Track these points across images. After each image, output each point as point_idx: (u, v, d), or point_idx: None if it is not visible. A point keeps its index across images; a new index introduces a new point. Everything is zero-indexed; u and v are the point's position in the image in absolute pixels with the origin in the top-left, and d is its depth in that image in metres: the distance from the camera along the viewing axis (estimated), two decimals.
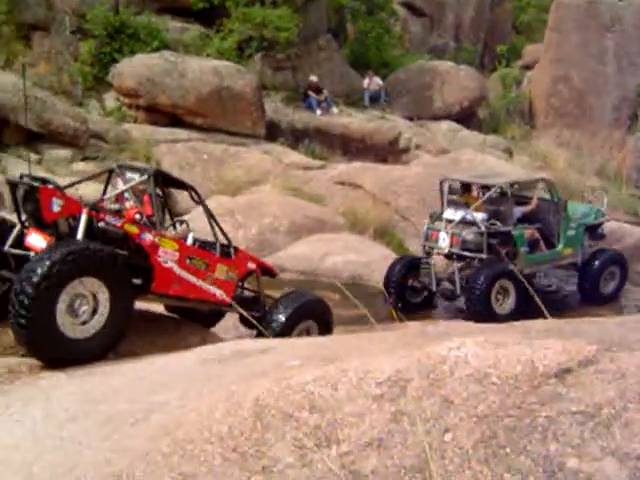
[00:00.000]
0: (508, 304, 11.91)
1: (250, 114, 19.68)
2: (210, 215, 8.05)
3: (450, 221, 12.50)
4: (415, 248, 16.27)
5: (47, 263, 5.86)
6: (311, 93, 21.80)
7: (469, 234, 12.22)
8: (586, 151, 23.91)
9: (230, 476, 3.08)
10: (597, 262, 13.65)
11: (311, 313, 8.26)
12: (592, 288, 13.68)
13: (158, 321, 8.11)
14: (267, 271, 8.67)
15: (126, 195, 7.70)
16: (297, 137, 21.15)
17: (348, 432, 3.07)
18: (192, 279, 7.39)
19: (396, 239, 16.39)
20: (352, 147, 21.37)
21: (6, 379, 5.47)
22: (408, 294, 12.94)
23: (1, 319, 6.79)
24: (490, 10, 33.12)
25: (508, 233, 12.46)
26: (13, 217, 7.41)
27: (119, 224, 6.90)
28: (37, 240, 6.67)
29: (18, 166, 15.46)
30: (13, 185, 6.89)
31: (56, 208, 6.50)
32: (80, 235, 6.46)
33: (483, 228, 12.24)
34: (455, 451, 2.90)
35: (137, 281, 6.93)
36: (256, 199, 16.23)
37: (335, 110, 22.05)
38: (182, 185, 8.18)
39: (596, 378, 3.13)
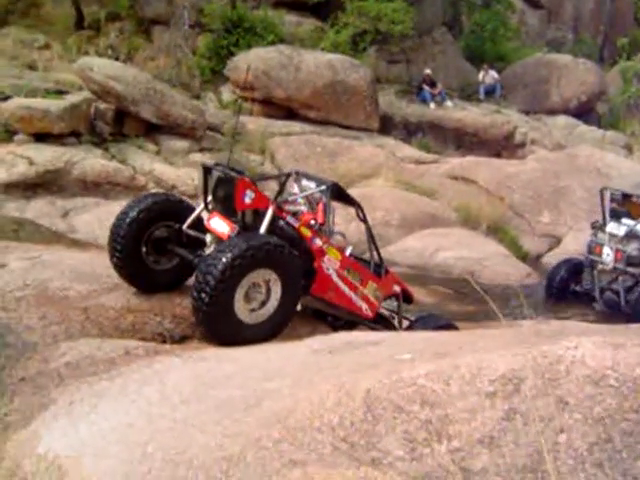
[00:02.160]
0: None
1: (364, 107, 19.71)
2: (370, 234, 8.30)
3: (613, 235, 12.46)
4: (528, 246, 16.02)
5: (235, 251, 6.26)
6: (425, 86, 21.66)
7: (634, 250, 12.18)
8: None
9: (339, 465, 3.09)
10: None
11: None
12: None
13: None
14: (406, 295, 8.80)
15: (300, 200, 7.94)
16: (410, 131, 21.07)
17: (459, 428, 3.05)
18: (346, 290, 7.73)
19: (509, 236, 16.15)
20: (466, 141, 21.14)
21: (123, 361, 5.63)
22: (569, 297, 13.18)
23: (164, 289, 7.48)
24: (611, 2, 32.13)
25: None
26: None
27: (296, 225, 7.35)
28: (221, 225, 7.08)
29: (138, 156, 15.98)
30: (207, 170, 7.40)
31: (248, 200, 6.98)
32: (263, 229, 6.87)
33: None
34: (569, 453, 2.85)
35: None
36: (368, 192, 16.23)
37: (449, 104, 21.84)
38: (351, 201, 8.34)
39: None
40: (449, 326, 8.35)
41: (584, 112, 24.53)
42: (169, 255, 7.56)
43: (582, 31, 31.08)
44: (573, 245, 15.52)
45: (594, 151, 19.75)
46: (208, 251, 7.06)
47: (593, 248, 12.72)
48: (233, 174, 7.15)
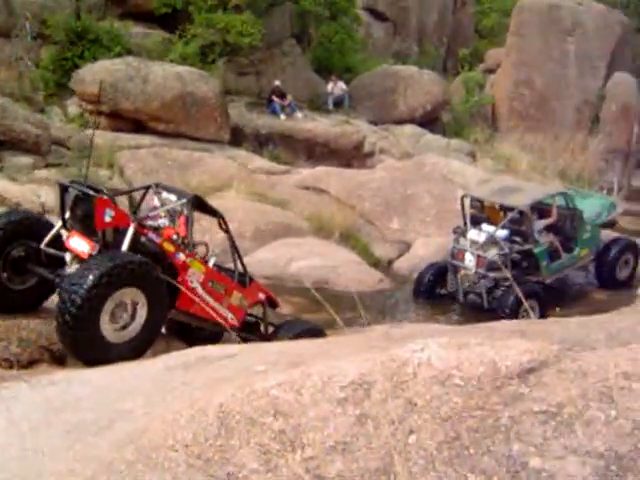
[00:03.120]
0: None
1: (214, 119, 19.60)
2: (233, 244, 8.51)
3: (474, 242, 13.03)
4: (379, 252, 16.35)
5: (103, 269, 6.30)
6: (275, 98, 21.78)
7: (494, 256, 12.72)
8: (549, 154, 24.14)
9: None
10: (613, 251, 14.48)
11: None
12: (609, 275, 14.52)
13: None
14: (271, 302, 9.09)
15: (160, 213, 8.03)
16: (261, 142, 21.09)
17: (313, 436, 3.06)
18: (211, 301, 7.91)
19: (361, 243, 16.43)
20: (316, 152, 21.36)
21: None
22: (436, 299, 13.77)
23: (21, 310, 7.44)
24: (453, 15, 33.39)
25: (530, 250, 13.07)
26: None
27: (159, 241, 7.46)
28: (80, 244, 7.09)
29: None
30: (64, 188, 7.37)
31: (108, 219, 6.99)
32: (125, 247, 6.90)
33: (507, 249, 12.80)
34: (419, 453, 2.90)
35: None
36: (221, 204, 15.94)
37: (299, 115, 22.05)
38: (213, 212, 8.53)
39: (558, 378, 3.14)
40: (315, 329, 8.66)
41: (430, 121, 25.27)
42: (27, 275, 7.47)
43: (426, 43, 32.06)
44: (422, 250, 15.98)
45: (440, 159, 20.38)
46: (68, 270, 7.05)
47: (456, 254, 13.28)
48: (91, 193, 7.09)
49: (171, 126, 19.16)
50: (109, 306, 6.43)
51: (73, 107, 19.30)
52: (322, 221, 16.51)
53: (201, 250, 8.28)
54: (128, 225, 7.10)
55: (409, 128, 24.10)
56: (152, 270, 6.80)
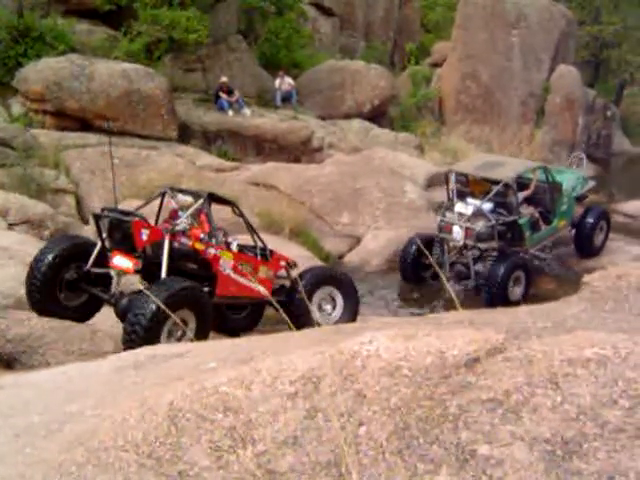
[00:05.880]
0: (518, 290, 13.16)
1: (161, 117, 19.43)
2: (250, 226, 9.67)
3: (462, 214, 13.49)
4: (330, 247, 16.39)
5: (164, 295, 7.38)
6: (222, 94, 21.66)
7: (482, 227, 13.23)
8: (495, 146, 24.43)
9: None
10: (590, 219, 15.25)
11: (324, 281, 9.98)
12: (588, 243, 15.35)
13: (70, 329, 8.02)
14: (292, 264, 10.26)
15: (181, 214, 9.02)
16: (209, 139, 20.98)
17: (263, 431, 3.06)
18: (244, 281, 9.03)
19: (311, 238, 16.42)
20: (265, 148, 21.33)
21: None
22: (420, 270, 14.29)
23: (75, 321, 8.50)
24: (399, 9, 33.55)
25: (515, 222, 13.55)
26: None
27: (190, 244, 8.56)
28: (123, 262, 8.22)
29: None
30: (97, 216, 8.56)
31: (144, 237, 8.10)
32: (164, 259, 8.02)
33: (493, 221, 13.27)
34: (369, 444, 2.92)
35: (205, 288, 8.55)
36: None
37: (247, 111, 21.96)
38: (226, 202, 9.74)
39: (504, 365, 3.18)
40: (326, 270, 10.04)
41: (377, 115, 25.41)
42: (79, 292, 8.69)
43: (373, 38, 32.17)
44: (373, 243, 16.06)
45: (388, 152, 20.46)
46: (116, 288, 8.39)
47: (443, 227, 13.72)
48: (125, 218, 8.23)
49: (118, 124, 18.88)
50: (168, 326, 7.48)
51: (17, 106, 18.97)
52: (272, 217, 16.46)
53: (220, 236, 9.28)
54: (163, 238, 8.14)
55: (357, 122, 24.19)
56: (198, 291, 7.93)
